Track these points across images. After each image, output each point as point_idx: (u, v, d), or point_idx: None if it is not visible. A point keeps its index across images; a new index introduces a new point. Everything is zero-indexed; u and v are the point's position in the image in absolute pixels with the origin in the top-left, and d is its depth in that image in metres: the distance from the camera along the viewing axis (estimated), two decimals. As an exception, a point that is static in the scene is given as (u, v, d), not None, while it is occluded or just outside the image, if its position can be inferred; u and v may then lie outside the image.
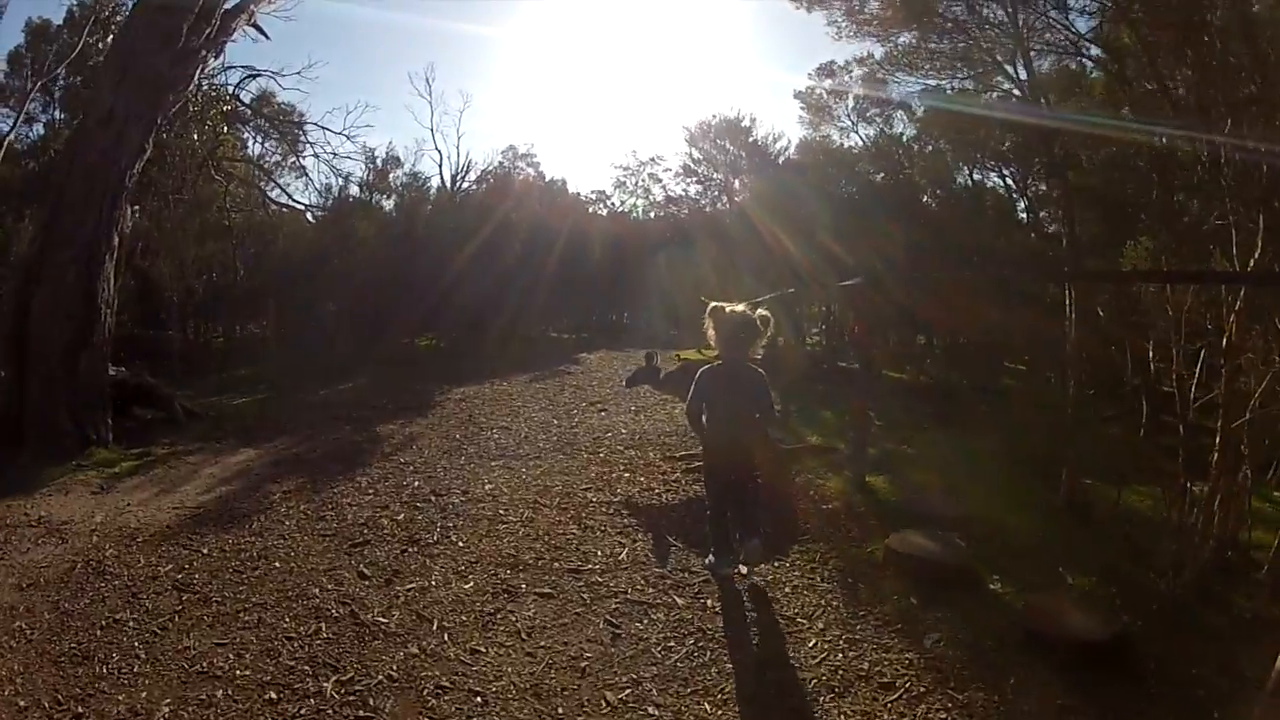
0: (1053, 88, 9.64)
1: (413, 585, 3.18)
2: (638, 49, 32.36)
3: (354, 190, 15.36)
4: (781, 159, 16.57)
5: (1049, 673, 2.37)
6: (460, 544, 3.67)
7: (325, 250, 13.42)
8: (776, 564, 3.30)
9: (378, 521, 4.02)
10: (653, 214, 18.78)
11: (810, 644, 2.64)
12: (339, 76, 29.85)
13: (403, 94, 46.09)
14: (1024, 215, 12.41)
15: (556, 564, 3.40)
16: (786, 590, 3.08)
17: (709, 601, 2.99)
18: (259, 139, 14.50)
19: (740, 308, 3.13)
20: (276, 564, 3.44)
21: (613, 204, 19.12)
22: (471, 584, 3.19)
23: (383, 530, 3.89)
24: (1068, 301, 5.59)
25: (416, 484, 4.75)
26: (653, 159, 19.18)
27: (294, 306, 13.08)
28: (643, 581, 3.20)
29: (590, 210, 18.41)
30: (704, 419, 3.15)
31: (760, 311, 3.15)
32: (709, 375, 3.13)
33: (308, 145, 13.73)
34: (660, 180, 18.85)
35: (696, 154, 18.24)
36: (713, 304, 3.15)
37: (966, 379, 9.54)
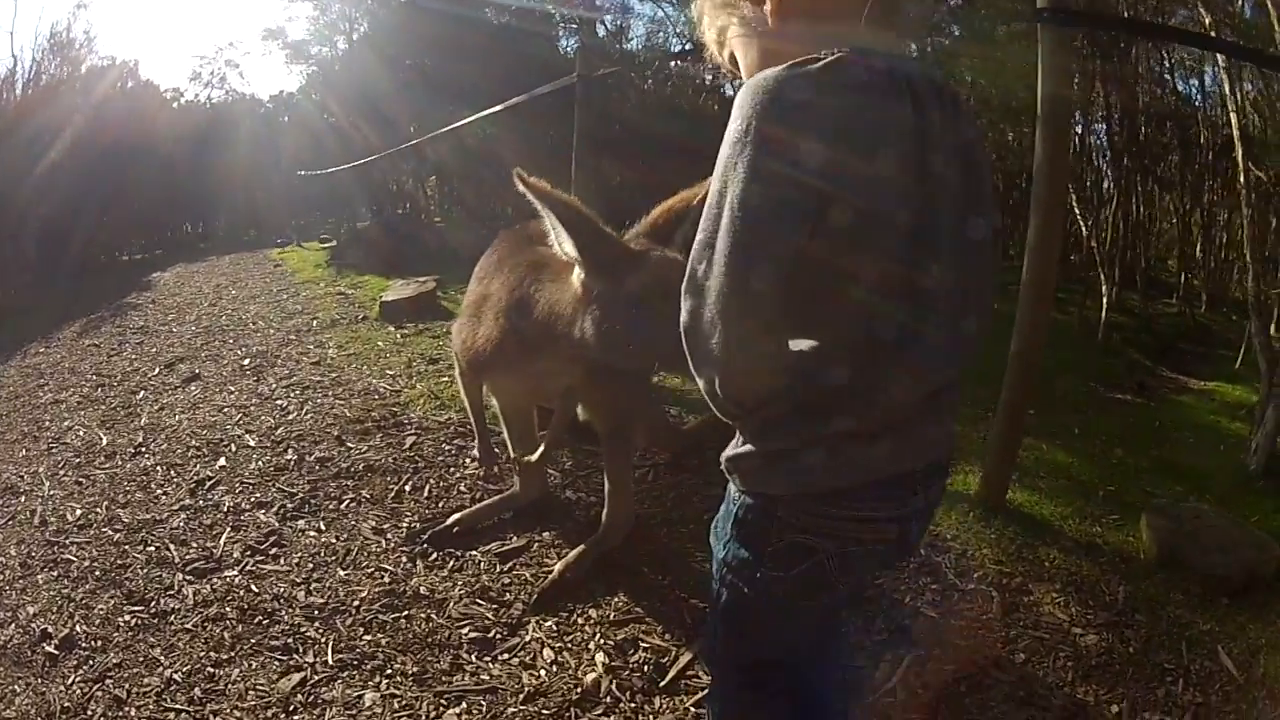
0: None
1: None
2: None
3: None
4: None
5: None
6: None
7: None
8: None
9: None
10: (231, 100, 15.65)
11: None
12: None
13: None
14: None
15: None
16: None
17: None
18: None
19: None
20: None
21: (187, 100, 15.32)
22: None
23: None
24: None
25: None
26: (230, 44, 16.21)
27: None
28: None
29: (170, 105, 14.22)
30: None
31: None
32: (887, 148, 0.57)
33: None
34: (238, 66, 16.65)
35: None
36: None
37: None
